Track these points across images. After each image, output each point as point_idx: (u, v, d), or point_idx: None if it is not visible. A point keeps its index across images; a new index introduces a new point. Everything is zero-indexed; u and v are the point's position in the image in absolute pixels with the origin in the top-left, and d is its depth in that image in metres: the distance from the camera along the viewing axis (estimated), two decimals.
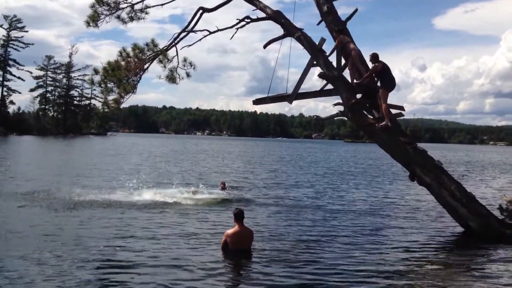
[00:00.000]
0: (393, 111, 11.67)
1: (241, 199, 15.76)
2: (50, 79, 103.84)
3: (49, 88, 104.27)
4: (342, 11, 12.49)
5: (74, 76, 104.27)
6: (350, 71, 11.81)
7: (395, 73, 11.59)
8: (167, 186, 17.90)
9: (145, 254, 8.40)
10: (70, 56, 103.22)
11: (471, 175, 31.96)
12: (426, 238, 10.83)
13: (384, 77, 11.27)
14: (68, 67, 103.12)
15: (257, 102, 13.03)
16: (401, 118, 12.30)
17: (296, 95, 12.41)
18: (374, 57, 11.34)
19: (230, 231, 8.69)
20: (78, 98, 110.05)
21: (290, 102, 12.57)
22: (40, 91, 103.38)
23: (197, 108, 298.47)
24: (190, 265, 7.78)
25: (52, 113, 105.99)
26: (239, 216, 8.66)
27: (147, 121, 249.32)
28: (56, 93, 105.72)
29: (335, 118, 12.96)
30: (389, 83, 11.32)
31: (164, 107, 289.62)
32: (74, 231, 9.93)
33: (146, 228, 10.57)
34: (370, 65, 11.56)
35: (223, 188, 17.53)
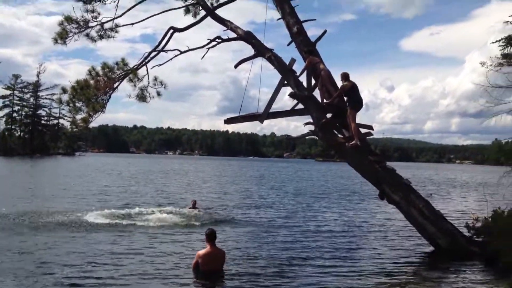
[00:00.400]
0: (363, 130, 11.85)
1: (211, 218, 15.60)
2: (17, 98, 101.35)
3: (16, 108, 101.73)
4: (312, 32, 12.73)
5: (42, 96, 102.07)
6: (320, 91, 11.97)
7: (365, 93, 11.89)
8: (135, 207, 17.56)
9: (112, 277, 8.16)
10: (37, 75, 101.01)
11: (440, 193, 32.60)
12: (396, 257, 10.90)
13: (351, 96, 11.45)
14: (36, 86, 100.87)
15: (228, 121, 13.02)
16: (371, 137, 12.50)
17: (268, 114, 12.46)
18: (345, 77, 11.53)
19: (201, 251, 8.55)
20: (45, 118, 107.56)
21: (262, 122, 12.63)
22: (6, 110, 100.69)
23: (169, 127, 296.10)
24: None
25: (19, 133, 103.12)
26: (211, 237, 8.53)
27: (117, 140, 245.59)
28: (23, 113, 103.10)
29: (307, 138, 13.05)
30: (356, 102, 11.49)
31: (135, 126, 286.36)
32: (38, 255, 9.59)
33: (113, 251, 10.29)
34: (340, 84, 11.74)
35: (194, 208, 17.31)
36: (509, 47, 12.13)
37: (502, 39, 12.10)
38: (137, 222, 14.13)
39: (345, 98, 11.66)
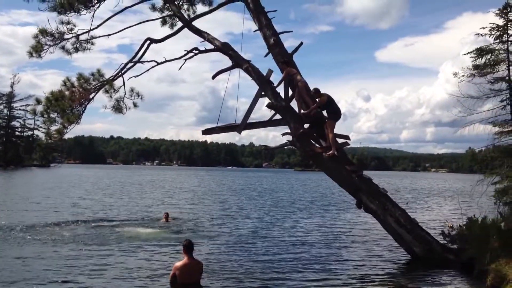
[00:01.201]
0: (339, 140, 11.97)
1: (184, 230, 15.36)
2: None
3: None
4: (290, 43, 12.94)
5: (16, 107, 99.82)
6: (297, 102, 12.07)
7: (342, 103, 12.10)
8: (108, 220, 17.34)
9: None
10: (11, 86, 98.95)
11: (416, 202, 33.05)
12: (373, 266, 11.02)
13: (329, 108, 11.59)
14: (10, 97, 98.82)
15: (206, 132, 13.00)
16: (348, 147, 12.64)
17: (245, 125, 12.48)
18: (317, 92, 11.67)
19: (179, 263, 8.42)
20: (20, 129, 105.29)
21: (239, 132, 12.64)
22: None
23: (146, 138, 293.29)
24: None
25: None
26: (188, 248, 8.41)
27: (93, 151, 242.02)
28: None
29: (285, 147, 13.10)
30: (335, 113, 11.64)
31: (112, 137, 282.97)
32: (8, 272, 9.33)
33: (86, 265, 10.07)
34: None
35: (166, 220, 17.08)
36: (480, 58, 12.48)
37: (473, 51, 12.45)
38: (108, 235, 13.89)
39: (322, 111, 11.79)
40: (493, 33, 12.26)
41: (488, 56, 12.30)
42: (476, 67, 12.54)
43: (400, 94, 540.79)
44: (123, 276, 9.24)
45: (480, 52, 12.42)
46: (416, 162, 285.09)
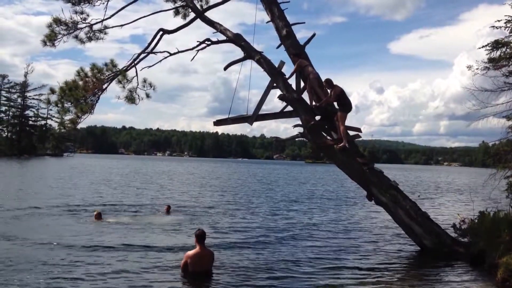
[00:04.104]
0: (351, 132, 11.97)
1: (185, 222, 15.25)
2: (4, 98, 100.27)
3: (3, 108, 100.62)
4: (303, 34, 12.81)
5: (30, 96, 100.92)
6: (308, 94, 12.07)
7: (354, 95, 12.12)
8: (114, 210, 17.55)
9: (103, 279, 8.15)
10: (25, 75, 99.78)
11: (427, 195, 32.89)
12: (383, 257, 11.05)
13: (341, 100, 11.59)
14: (23, 87, 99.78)
15: (218, 123, 13.07)
16: (360, 139, 12.63)
17: (257, 116, 12.52)
18: (329, 83, 11.64)
19: (191, 252, 8.56)
20: (33, 118, 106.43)
21: (251, 124, 12.67)
22: None
23: (158, 128, 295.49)
24: None
25: (6, 133, 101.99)
26: (200, 237, 8.54)
27: (106, 141, 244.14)
28: (10, 113, 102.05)
29: (296, 139, 13.12)
30: (346, 105, 11.63)
31: (124, 127, 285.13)
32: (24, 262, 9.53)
33: (95, 255, 10.08)
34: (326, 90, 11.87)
35: (168, 213, 17.10)
36: (496, 51, 12.31)
37: (488, 44, 12.29)
38: (114, 225, 14.02)
39: (335, 103, 11.78)
40: (508, 25, 12.08)
41: (504, 49, 12.13)
42: (491, 60, 12.38)
43: (413, 86, 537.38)
44: (130, 264, 9.36)
45: (496, 45, 12.25)
46: (429, 156, 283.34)
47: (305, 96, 12.25)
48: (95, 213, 15.04)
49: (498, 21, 12.04)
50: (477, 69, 12.47)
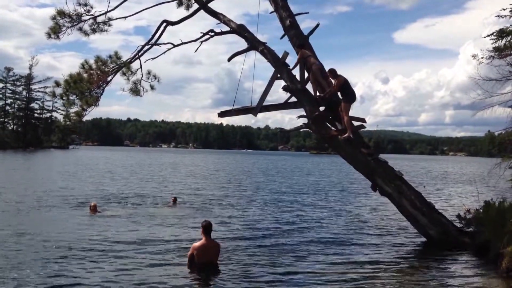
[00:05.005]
0: (355, 123, 11.94)
1: (191, 213, 15.34)
2: (10, 91, 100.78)
3: (8, 101, 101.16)
4: (307, 24, 12.74)
5: (35, 89, 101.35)
6: (312, 84, 12.04)
7: (359, 85, 12.09)
8: (120, 202, 17.67)
9: (108, 271, 8.24)
10: (30, 68, 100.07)
11: (432, 185, 32.84)
12: (389, 248, 11.08)
13: (345, 90, 11.54)
14: (28, 79, 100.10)
15: (222, 114, 13.07)
16: (365, 129, 12.59)
17: (261, 107, 12.52)
18: (332, 73, 11.59)
19: (197, 244, 8.59)
20: (38, 111, 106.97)
21: (255, 115, 12.69)
22: None
23: (163, 120, 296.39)
24: (156, 282, 7.67)
25: (12, 126, 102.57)
26: (207, 229, 8.55)
27: (111, 133, 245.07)
28: (16, 106, 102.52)
29: (301, 130, 13.12)
30: (350, 95, 11.59)
31: (129, 119, 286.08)
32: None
33: (102, 245, 10.22)
34: (330, 80, 11.83)
35: (174, 204, 17.17)
36: (501, 40, 12.21)
37: (493, 32, 12.19)
38: (120, 217, 14.13)
39: (339, 93, 11.74)
40: None
41: (509, 38, 12.03)
42: (496, 49, 12.29)
43: (419, 76, 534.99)
44: (136, 256, 9.43)
45: (501, 34, 12.15)
46: (434, 146, 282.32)
47: (309, 86, 12.22)
48: (91, 204, 14.98)
49: (504, 9, 11.94)
50: (482, 58, 12.38)
